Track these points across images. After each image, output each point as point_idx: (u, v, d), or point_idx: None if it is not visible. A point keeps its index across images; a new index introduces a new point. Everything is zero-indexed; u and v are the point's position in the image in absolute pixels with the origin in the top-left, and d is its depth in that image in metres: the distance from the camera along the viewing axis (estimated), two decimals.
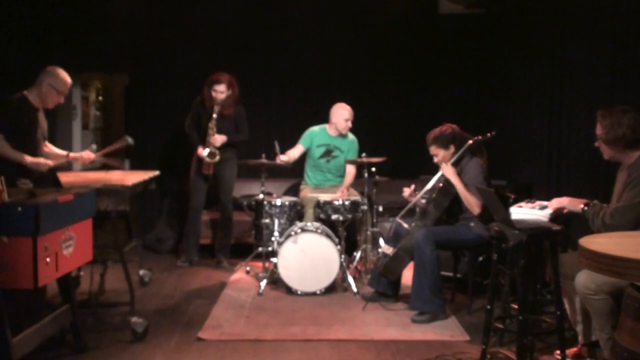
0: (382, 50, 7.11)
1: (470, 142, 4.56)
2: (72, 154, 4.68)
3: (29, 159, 4.20)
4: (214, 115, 5.65)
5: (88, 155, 4.65)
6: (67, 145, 6.94)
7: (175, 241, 6.59)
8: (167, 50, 6.91)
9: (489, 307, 3.57)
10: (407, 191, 4.82)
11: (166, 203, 6.82)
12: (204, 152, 5.67)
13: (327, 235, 5.07)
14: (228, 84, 5.71)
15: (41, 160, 4.28)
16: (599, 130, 3.49)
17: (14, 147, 4.20)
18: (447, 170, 4.52)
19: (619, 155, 3.48)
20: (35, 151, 4.36)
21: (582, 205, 3.52)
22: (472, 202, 4.39)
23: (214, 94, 5.68)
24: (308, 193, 5.69)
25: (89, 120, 7.72)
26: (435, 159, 4.69)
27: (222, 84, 5.68)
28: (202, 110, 5.80)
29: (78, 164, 4.98)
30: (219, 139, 5.70)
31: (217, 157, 5.69)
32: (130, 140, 4.68)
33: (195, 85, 6.15)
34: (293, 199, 5.56)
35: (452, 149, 4.62)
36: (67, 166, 4.72)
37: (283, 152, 5.61)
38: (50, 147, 4.61)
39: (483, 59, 6.99)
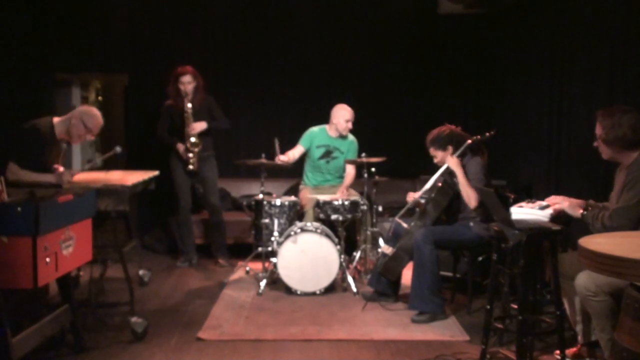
0: (382, 50, 7.10)
1: (469, 141, 4.57)
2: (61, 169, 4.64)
3: (51, 177, 4.16)
4: (189, 105, 5.68)
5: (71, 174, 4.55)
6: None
7: (174, 241, 6.59)
8: (167, 50, 6.91)
9: (488, 307, 3.57)
10: (411, 196, 4.81)
11: (166, 203, 6.81)
12: (189, 139, 5.69)
13: (327, 235, 5.07)
14: (193, 75, 5.74)
15: (65, 172, 4.24)
16: (598, 130, 3.49)
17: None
18: (452, 162, 4.54)
19: (618, 155, 3.48)
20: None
21: (581, 211, 3.52)
22: (471, 195, 4.40)
23: (182, 87, 5.71)
24: (308, 193, 5.69)
25: None
26: (435, 160, 4.72)
27: (187, 75, 5.72)
28: (173, 110, 5.82)
29: (77, 156, 4.96)
30: (198, 127, 5.72)
31: (199, 147, 5.72)
32: (118, 149, 4.69)
33: None
34: (293, 199, 5.56)
35: (449, 149, 4.64)
36: (67, 166, 4.71)
37: (283, 152, 5.61)
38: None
39: (483, 59, 6.99)
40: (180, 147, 5.77)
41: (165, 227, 6.68)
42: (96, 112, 4.40)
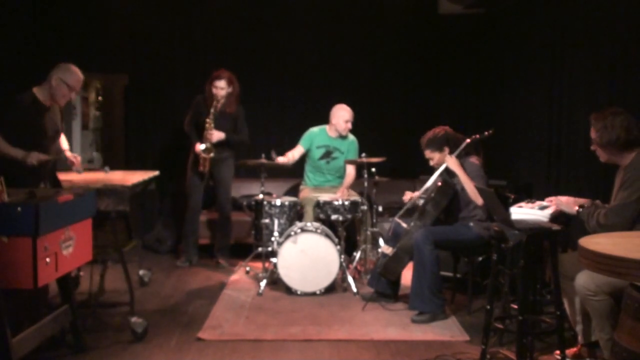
0: (382, 50, 7.11)
1: (468, 140, 4.57)
2: (67, 153, 4.65)
3: (20, 152, 4.08)
4: (212, 111, 5.67)
5: (77, 160, 4.62)
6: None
7: (174, 241, 6.59)
8: (167, 50, 6.92)
9: (488, 307, 3.57)
10: (408, 195, 4.82)
11: (166, 203, 6.82)
12: (200, 146, 5.69)
13: (327, 236, 5.07)
14: (228, 81, 5.73)
15: (34, 153, 4.13)
16: (593, 134, 3.50)
17: (14, 145, 4.13)
18: (451, 162, 4.53)
19: (615, 157, 3.48)
20: (39, 150, 4.19)
21: (576, 208, 3.53)
22: (477, 193, 4.38)
23: (214, 90, 5.71)
24: (308, 193, 5.69)
25: (89, 121, 7.71)
26: (431, 162, 4.71)
27: (222, 80, 5.71)
28: (203, 108, 5.80)
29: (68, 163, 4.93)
30: (216, 135, 5.70)
31: (212, 154, 5.70)
32: (107, 170, 4.74)
33: (195, 85, 6.16)
34: (293, 199, 5.56)
35: (446, 150, 4.64)
36: (67, 165, 4.71)
37: (282, 153, 5.61)
38: (60, 140, 4.58)
39: (483, 59, 6.99)
40: (197, 147, 5.76)
41: (165, 227, 6.68)
42: (74, 68, 4.29)
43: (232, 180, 6.02)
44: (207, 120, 5.67)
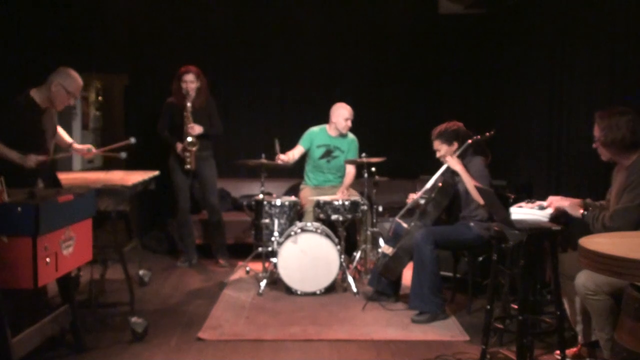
0: (382, 50, 7.11)
1: (469, 141, 4.58)
2: (75, 145, 4.63)
3: (17, 155, 4.05)
4: (189, 104, 5.68)
5: (89, 151, 4.62)
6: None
7: (174, 241, 6.58)
8: (167, 50, 6.91)
9: (488, 307, 3.57)
10: (412, 197, 4.82)
11: (165, 203, 6.81)
12: (187, 139, 5.69)
13: (327, 235, 5.07)
14: (196, 75, 5.74)
15: (31, 156, 4.09)
16: (596, 132, 3.48)
17: (9, 145, 4.07)
18: (453, 162, 4.53)
19: (617, 157, 3.47)
20: (38, 152, 4.18)
21: (581, 211, 3.52)
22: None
23: (184, 85, 5.71)
24: (308, 193, 5.69)
25: (89, 120, 7.70)
26: (438, 154, 4.72)
27: (190, 74, 5.72)
28: (174, 108, 5.82)
29: (78, 156, 4.86)
30: (197, 128, 5.71)
31: (196, 147, 5.71)
32: (133, 140, 4.68)
33: None
34: (293, 199, 5.56)
35: (455, 145, 4.64)
36: (67, 165, 4.70)
37: (283, 152, 5.61)
38: (60, 133, 4.55)
39: (483, 59, 6.99)
40: (179, 146, 5.76)
41: (165, 227, 6.68)
42: (74, 73, 4.25)
43: (216, 179, 6.03)
44: (185, 114, 5.68)
